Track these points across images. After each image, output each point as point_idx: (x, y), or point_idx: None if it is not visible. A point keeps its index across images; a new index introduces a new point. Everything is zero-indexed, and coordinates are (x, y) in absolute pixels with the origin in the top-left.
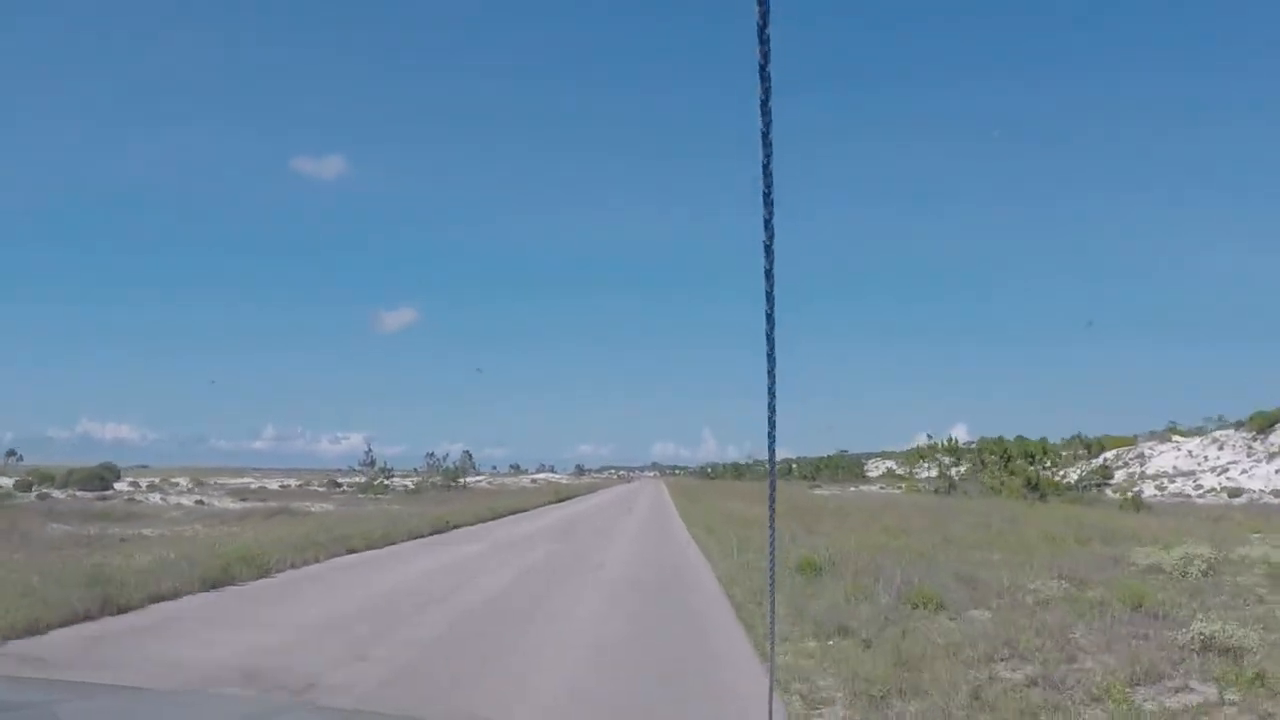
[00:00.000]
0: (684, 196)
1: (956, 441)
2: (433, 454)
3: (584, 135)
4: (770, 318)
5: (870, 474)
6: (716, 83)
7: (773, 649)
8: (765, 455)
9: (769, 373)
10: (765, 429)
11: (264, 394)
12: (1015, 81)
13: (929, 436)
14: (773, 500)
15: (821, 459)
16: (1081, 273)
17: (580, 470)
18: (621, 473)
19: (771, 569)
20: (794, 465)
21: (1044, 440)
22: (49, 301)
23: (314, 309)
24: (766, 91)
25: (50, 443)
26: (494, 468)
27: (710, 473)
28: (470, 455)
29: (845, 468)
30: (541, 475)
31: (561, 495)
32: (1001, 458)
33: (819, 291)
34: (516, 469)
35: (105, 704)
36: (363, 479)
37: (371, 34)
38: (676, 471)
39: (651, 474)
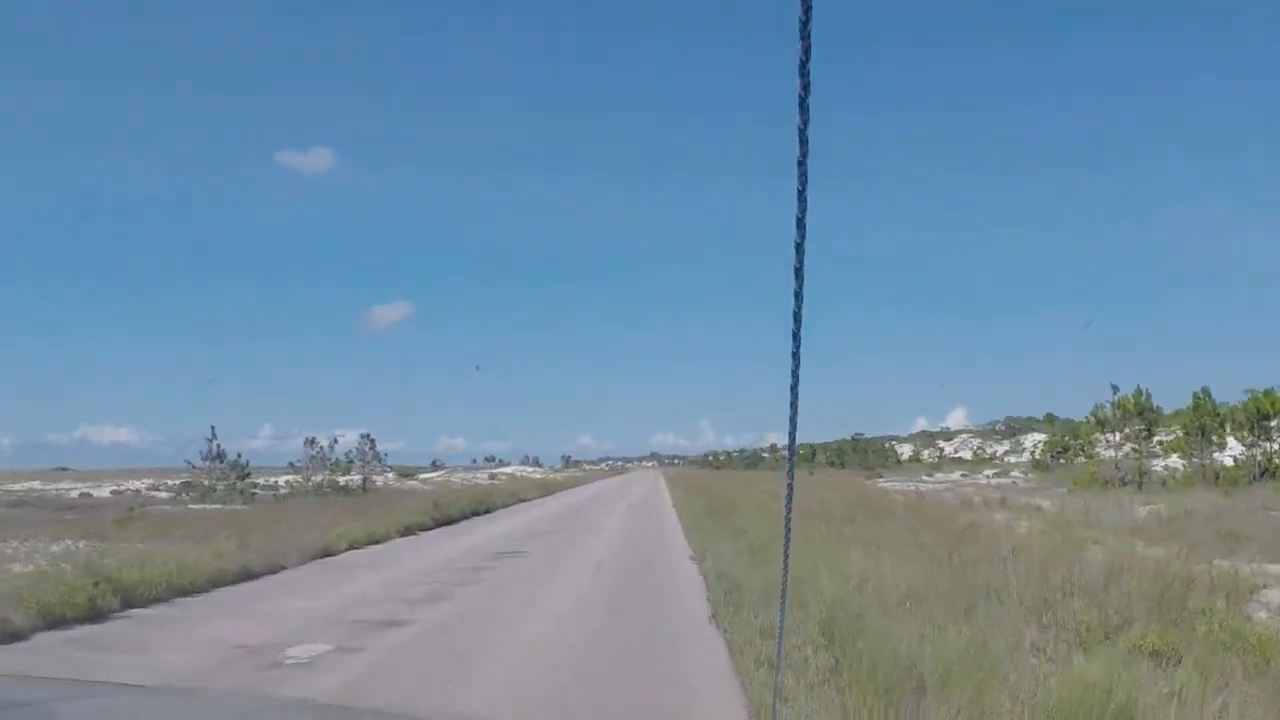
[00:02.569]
0: (685, 185)
1: (1148, 399)
2: (314, 441)
3: (579, 121)
4: (799, 295)
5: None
6: (724, 73)
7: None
8: (779, 441)
9: (793, 354)
10: (772, 415)
11: (263, 392)
12: (1015, 57)
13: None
14: (789, 499)
15: (843, 443)
16: (1074, 254)
17: (568, 461)
18: (614, 464)
19: (785, 567)
20: (816, 451)
21: (1271, 392)
22: (41, 306)
23: (307, 305)
24: (806, 51)
25: (50, 448)
26: (473, 460)
27: (715, 461)
28: (373, 443)
29: (876, 452)
30: (508, 469)
31: (444, 512)
32: (1215, 421)
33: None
34: (493, 461)
35: (105, 703)
36: (209, 480)
37: (354, 22)
38: (676, 461)
39: (650, 464)
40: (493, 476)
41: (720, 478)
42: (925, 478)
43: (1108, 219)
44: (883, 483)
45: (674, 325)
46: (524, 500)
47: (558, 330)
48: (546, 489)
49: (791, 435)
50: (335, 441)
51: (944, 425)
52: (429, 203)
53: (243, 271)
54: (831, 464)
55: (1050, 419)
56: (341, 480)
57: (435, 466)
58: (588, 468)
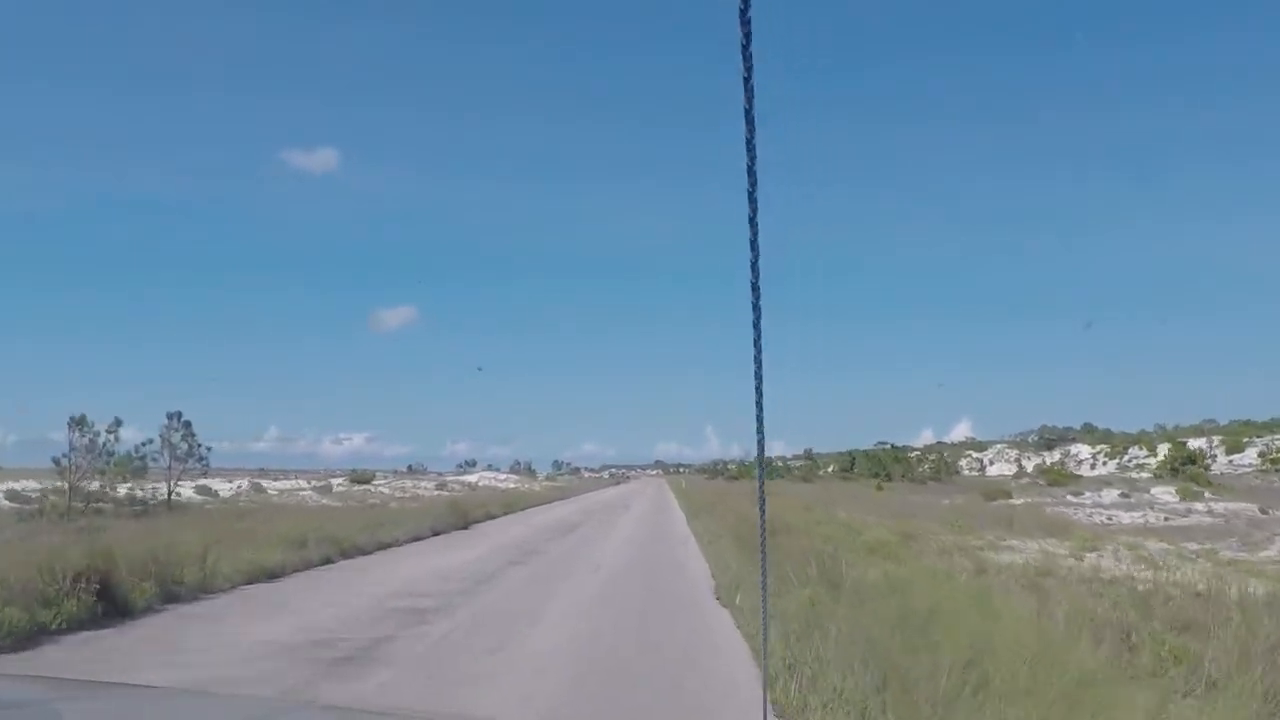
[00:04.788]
0: (695, 190)
1: None
2: (83, 422)
3: (584, 123)
4: (755, 285)
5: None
6: (731, 65)
7: (765, 648)
8: (785, 451)
9: (755, 359)
10: (781, 423)
11: (268, 394)
12: (1024, 59)
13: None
14: (762, 491)
15: (883, 452)
16: (1078, 260)
17: (560, 467)
18: (616, 471)
19: (764, 570)
20: (855, 459)
21: None
22: (51, 304)
23: (312, 307)
24: (749, 69)
25: (52, 445)
26: (459, 465)
27: (726, 470)
28: (188, 428)
29: (924, 462)
30: (470, 478)
31: None
32: None
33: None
34: (473, 465)
35: (107, 703)
36: None
37: (359, 26)
38: (681, 470)
39: (654, 472)
40: (441, 488)
41: (747, 493)
42: (1072, 498)
43: (1114, 227)
44: (1029, 503)
45: (679, 333)
46: (326, 564)
47: (563, 336)
48: (466, 519)
49: (760, 446)
50: (119, 425)
51: (951, 436)
52: (434, 205)
53: (246, 272)
54: (875, 475)
55: (1090, 429)
56: (119, 489)
57: (412, 471)
58: (586, 475)
